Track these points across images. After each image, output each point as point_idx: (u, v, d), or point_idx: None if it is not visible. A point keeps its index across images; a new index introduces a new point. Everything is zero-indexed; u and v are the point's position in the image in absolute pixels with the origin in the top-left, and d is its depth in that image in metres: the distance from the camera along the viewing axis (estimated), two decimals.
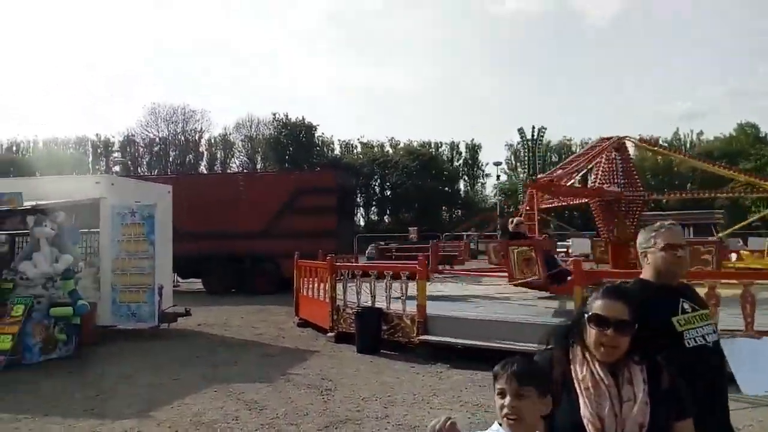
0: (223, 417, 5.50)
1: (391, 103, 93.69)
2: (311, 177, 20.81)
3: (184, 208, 13.57)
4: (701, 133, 62.66)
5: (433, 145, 61.15)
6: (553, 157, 65.90)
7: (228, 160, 61.96)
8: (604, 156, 13.62)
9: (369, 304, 8.82)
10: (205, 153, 62.56)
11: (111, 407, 5.92)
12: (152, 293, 9.48)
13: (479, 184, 63.36)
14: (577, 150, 64.48)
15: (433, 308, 8.33)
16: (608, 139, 13.62)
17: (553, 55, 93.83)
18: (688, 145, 59.68)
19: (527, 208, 15.18)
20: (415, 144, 60.38)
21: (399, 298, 8.43)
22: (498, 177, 49.37)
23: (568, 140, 65.90)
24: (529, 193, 15.48)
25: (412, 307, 8.28)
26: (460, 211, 57.84)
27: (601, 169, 13.77)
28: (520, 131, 11.37)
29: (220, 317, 12.50)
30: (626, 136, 13.88)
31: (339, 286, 9.69)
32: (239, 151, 62.83)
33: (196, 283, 18.74)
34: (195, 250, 17.14)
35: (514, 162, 63.93)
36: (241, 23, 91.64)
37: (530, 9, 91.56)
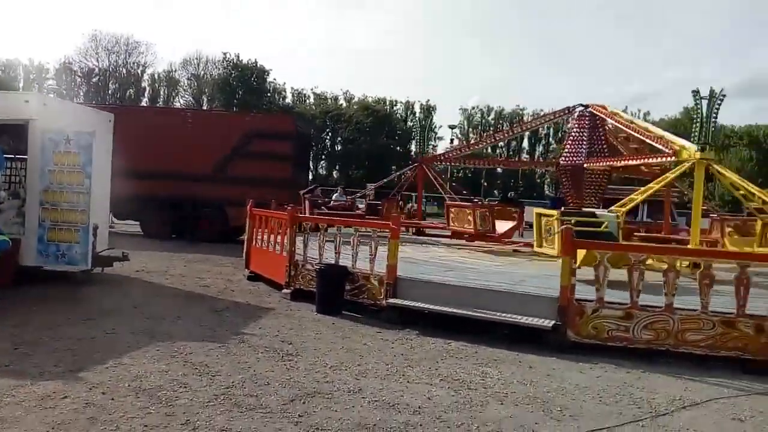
0: (169, 383, 4.69)
1: (348, 56, 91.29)
2: (268, 120, 19.46)
3: (123, 142, 12.27)
4: (648, 113, 64.13)
5: (388, 103, 60.03)
6: (505, 125, 66.35)
7: (171, 99, 58.84)
8: (575, 124, 13.21)
9: (332, 261, 8.08)
10: (148, 89, 59.16)
11: (32, 363, 5.00)
12: (86, 233, 8.37)
13: (431, 147, 62.88)
14: (529, 120, 65.27)
15: (402, 270, 7.68)
16: (584, 106, 13.16)
17: (513, 25, 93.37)
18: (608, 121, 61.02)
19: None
20: (370, 100, 59.07)
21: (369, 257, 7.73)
22: (451, 141, 48.90)
23: (521, 109, 66.21)
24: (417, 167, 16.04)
25: (380, 268, 7.60)
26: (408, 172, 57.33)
27: (570, 137, 13.40)
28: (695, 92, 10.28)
29: (160, 264, 11.48)
30: (594, 105, 13.47)
31: (298, 240, 8.89)
32: (184, 90, 59.84)
33: (134, 226, 17.45)
34: (134, 190, 15.83)
35: (466, 127, 63.88)
36: None
37: None
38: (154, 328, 6.47)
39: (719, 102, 9.51)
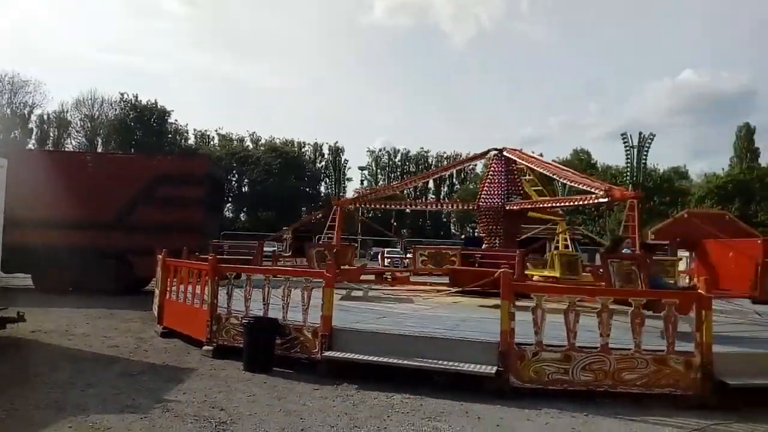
0: None
1: (253, 97, 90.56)
2: (177, 163, 18.41)
3: (12, 188, 11.10)
4: (542, 154, 68.08)
5: (296, 144, 59.74)
6: (411, 167, 68.05)
7: (62, 141, 55.16)
8: (491, 167, 13.65)
9: (260, 312, 7.60)
10: (36, 130, 55.15)
11: None
12: None
13: (341, 188, 63.05)
14: (433, 162, 67.48)
15: (336, 320, 7.35)
16: (498, 150, 13.64)
17: (413, 71, 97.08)
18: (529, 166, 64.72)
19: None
20: (277, 141, 58.52)
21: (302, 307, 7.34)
22: (362, 182, 49.27)
23: (425, 152, 68.22)
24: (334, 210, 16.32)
25: (314, 319, 7.23)
26: (320, 213, 56.95)
27: (487, 179, 13.80)
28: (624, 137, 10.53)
29: (59, 322, 10.36)
30: (509, 149, 14.02)
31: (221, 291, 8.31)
32: (77, 131, 56.28)
33: (22, 279, 15.79)
34: (24, 240, 14.41)
35: (374, 168, 64.75)
36: None
37: (399, 23, 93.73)
38: (62, 400, 5.70)
39: (648, 145, 10.14)
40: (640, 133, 10.05)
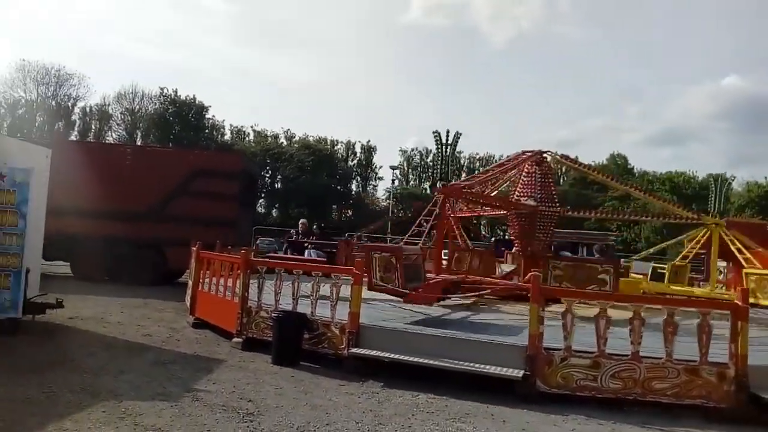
0: None
1: (290, 95, 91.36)
2: (214, 158, 18.75)
3: (54, 178, 11.44)
4: (577, 158, 66.99)
5: (329, 142, 60.07)
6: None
7: (104, 133, 56.57)
8: (524, 169, 13.50)
9: (290, 307, 7.69)
10: (79, 122, 56.69)
11: None
12: (18, 278, 7.64)
13: (371, 186, 63.29)
14: (465, 162, 67.07)
15: (365, 318, 7.39)
16: (530, 152, 13.49)
17: (449, 71, 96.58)
18: (564, 169, 63.76)
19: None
20: (311, 139, 58.94)
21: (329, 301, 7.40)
22: (393, 181, 49.23)
23: (458, 153, 67.75)
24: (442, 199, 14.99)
25: (342, 315, 7.30)
26: (350, 211, 57.22)
27: (520, 181, 13.65)
28: (436, 134, 10.89)
29: (95, 310, 10.65)
30: (547, 150, 13.84)
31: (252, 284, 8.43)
32: (117, 124, 57.64)
33: (62, 267, 16.28)
34: (64, 229, 14.88)
35: (406, 168, 64.67)
36: None
37: (435, 23, 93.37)
38: (96, 385, 5.88)
39: (721, 189, 10.18)
40: (720, 177, 10.29)
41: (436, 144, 12.61)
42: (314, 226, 21.74)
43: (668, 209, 13.10)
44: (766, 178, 53.40)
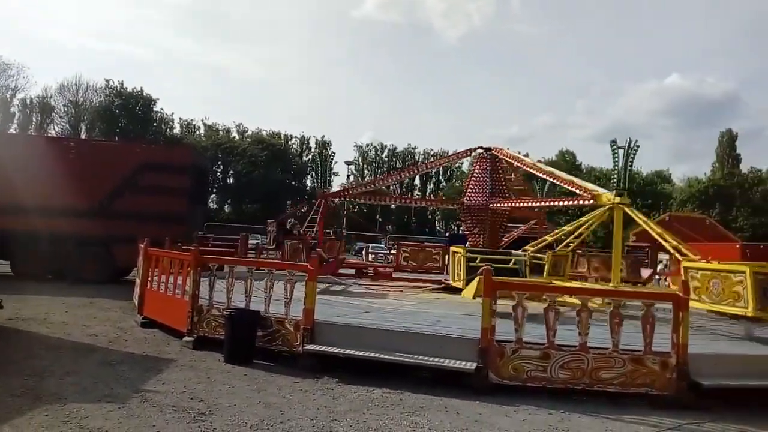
0: None
1: (241, 88, 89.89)
2: (162, 152, 18.18)
3: None
4: (527, 154, 68.41)
5: (283, 137, 59.44)
6: (398, 162, 68.09)
7: (45, 126, 54.34)
8: (477, 165, 13.70)
9: (242, 305, 7.57)
10: (18, 114, 54.24)
11: None
12: None
13: (327, 181, 62.90)
14: (420, 158, 67.52)
15: (318, 313, 7.35)
16: (484, 149, 13.69)
17: (403, 67, 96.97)
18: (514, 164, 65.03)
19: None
20: (264, 133, 58.17)
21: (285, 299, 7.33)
22: (348, 177, 49.14)
23: (412, 148, 68.26)
24: (319, 202, 15.19)
25: (296, 312, 7.23)
26: (305, 207, 56.75)
27: (472, 177, 13.85)
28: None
29: (37, 310, 10.24)
30: (496, 147, 14.07)
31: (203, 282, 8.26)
32: (60, 117, 55.44)
33: (1, 265, 15.58)
34: (3, 225, 14.28)
35: (361, 163, 64.67)
36: None
37: (388, 18, 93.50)
38: (39, 388, 5.65)
39: (634, 152, 10.13)
40: (629, 140, 10.04)
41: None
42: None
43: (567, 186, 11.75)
44: (705, 174, 56.03)
